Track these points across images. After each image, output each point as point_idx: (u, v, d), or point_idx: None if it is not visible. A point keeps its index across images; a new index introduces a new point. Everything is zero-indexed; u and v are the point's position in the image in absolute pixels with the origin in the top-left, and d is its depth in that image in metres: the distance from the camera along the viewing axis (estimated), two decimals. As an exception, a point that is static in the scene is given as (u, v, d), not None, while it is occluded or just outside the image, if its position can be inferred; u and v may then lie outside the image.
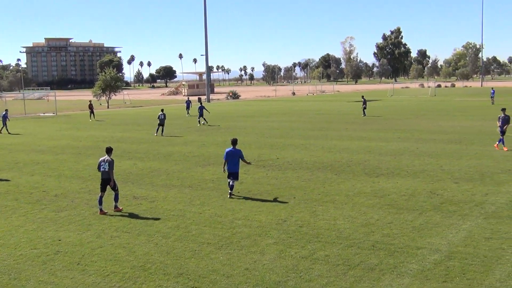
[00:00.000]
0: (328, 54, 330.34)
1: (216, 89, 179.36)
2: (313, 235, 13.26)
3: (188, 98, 68.15)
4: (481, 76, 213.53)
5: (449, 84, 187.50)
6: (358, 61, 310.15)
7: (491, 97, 69.27)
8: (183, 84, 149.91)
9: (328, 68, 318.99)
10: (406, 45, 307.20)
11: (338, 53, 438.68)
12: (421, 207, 15.76)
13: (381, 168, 22.50)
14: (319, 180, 20.12)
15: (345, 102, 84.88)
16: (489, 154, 25.57)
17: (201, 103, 48.55)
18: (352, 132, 36.76)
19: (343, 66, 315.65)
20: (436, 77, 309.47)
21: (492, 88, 76.72)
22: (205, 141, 33.69)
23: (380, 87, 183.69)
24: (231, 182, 17.56)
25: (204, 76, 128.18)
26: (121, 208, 16.24)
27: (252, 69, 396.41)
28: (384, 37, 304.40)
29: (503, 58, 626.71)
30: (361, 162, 24.14)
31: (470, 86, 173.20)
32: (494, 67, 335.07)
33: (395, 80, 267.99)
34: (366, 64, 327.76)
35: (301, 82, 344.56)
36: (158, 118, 38.69)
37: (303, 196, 17.53)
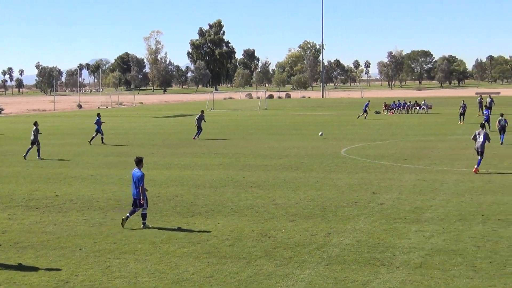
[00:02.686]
0: (127, 54, 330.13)
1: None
2: (106, 299, 13.06)
3: None
4: (322, 84, 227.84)
5: (283, 94, 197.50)
6: (168, 63, 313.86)
7: (365, 110, 75.03)
8: None
9: (128, 72, 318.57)
10: (230, 43, 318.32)
11: (141, 53, 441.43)
12: (249, 254, 16.33)
13: (197, 204, 22.91)
14: (115, 223, 19.92)
15: (151, 117, 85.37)
16: (331, 183, 27.35)
17: None
18: (161, 158, 37.06)
19: (147, 69, 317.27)
20: (267, 85, 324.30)
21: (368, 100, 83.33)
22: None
23: (196, 98, 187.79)
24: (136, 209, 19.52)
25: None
26: None
27: (21, 72, 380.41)
28: (201, 33, 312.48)
29: (347, 62, 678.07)
30: (171, 197, 24.37)
31: (309, 97, 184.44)
32: (337, 72, 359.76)
33: (216, 89, 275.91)
34: (178, 67, 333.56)
35: (91, 91, 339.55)
36: None
37: (92, 247, 17.21)
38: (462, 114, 64.03)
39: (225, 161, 35.23)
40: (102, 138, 46.62)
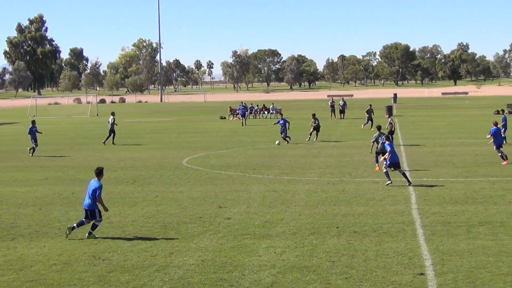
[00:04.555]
0: None
1: None
2: None
3: None
4: (160, 87, 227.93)
5: (117, 99, 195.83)
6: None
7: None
8: None
9: None
10: (54, 41, 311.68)
11: None
12: (81, 280, 16.03)
13: (19, 226, 22.27)
14: None
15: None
16: (172, 196, 27.35)
17: None
18: (-27, 173, 35.68)
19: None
20: (98, 88, 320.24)
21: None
22: None
23: (16, 103, 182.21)
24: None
25: None
26: None
27: None
28: (20, 29, 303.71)
29: (188, 62, 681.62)
30: (-12, 219, 23.53)
31: (146, 101, 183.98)
32: (177, 74, 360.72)
33: (39, 93, 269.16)
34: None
35: None
36: None
37: None
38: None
39: (51, 175, 34.41)
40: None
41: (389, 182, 28.95)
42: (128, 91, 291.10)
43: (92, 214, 20.47)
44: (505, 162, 35.26)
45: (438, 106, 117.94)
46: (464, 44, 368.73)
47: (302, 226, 21.44)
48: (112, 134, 52.34)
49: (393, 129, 43.51)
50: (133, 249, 18.91)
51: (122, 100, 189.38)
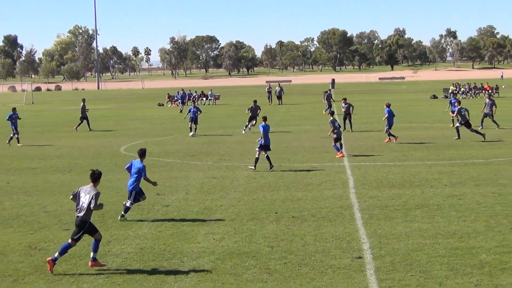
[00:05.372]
0: None
1: None
2: None
3: None
4: (97, 74, 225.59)
5: (53, 86, 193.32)
6: None
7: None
8: None
9: None
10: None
11: None
12: (16, 270, 15.78)
13: (-48, 217, 21.81)
14: None
15: None
16: (110, 185, 27.09)
17: None
18: None
19: None
20: (33, 76, 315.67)
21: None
22: None
23: None
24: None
25: None
26: None
27: None
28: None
29: (125, 49, 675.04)
30: None
31: (83, 89, 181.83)
32: (114, 61, 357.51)
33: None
34: None
35: None
36: None
37: None
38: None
39: (-16, 165, 33.79)
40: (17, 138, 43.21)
41: (252, 167, 29.76)
42: (65, 78, 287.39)
43: (130, 194, 21.01)
44: (387, 140, 38.75)
45: (376, 91, 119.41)
46: (401, 29, 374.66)
47: (241, 212, 21.47)
48: (84, 121, 52.31)
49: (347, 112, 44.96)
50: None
51: (58, 88, 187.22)
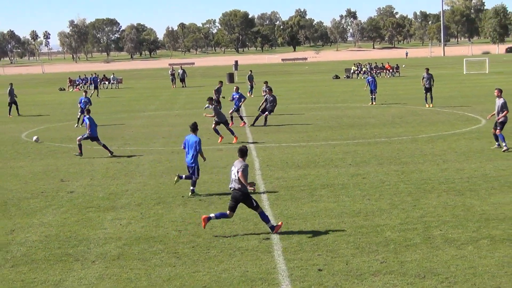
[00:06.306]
0: None
1: None
2: None
3: None
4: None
5: None
6: None
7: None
8: None
9: None
10: None
11: None
12: None
13: None
14: None
15: None
16: (12, 172, 26.55)
17: None
18: None
19: None
20: None
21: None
22: None
23: None
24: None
25: None
26: None
27: None
28: None
29: (24, 33, 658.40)
30: None
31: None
32: (13, 45, 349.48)
33: None
34: None
35: None
36: None
37: None
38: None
39: None
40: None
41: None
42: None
43: (193, 170, 21.47)
44: (241, 124, 39.32)
45: (279, 72, 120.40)
46: (302, 10, 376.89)
47: (148, 197, 21.36)
48: (14, 105, 52.02)
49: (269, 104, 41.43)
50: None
51: None
